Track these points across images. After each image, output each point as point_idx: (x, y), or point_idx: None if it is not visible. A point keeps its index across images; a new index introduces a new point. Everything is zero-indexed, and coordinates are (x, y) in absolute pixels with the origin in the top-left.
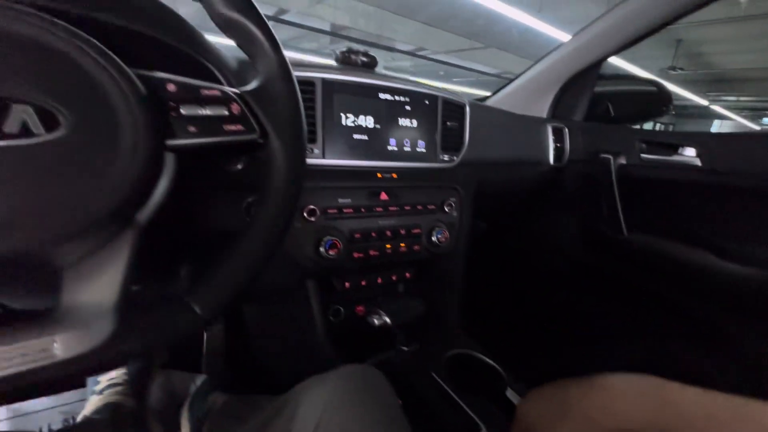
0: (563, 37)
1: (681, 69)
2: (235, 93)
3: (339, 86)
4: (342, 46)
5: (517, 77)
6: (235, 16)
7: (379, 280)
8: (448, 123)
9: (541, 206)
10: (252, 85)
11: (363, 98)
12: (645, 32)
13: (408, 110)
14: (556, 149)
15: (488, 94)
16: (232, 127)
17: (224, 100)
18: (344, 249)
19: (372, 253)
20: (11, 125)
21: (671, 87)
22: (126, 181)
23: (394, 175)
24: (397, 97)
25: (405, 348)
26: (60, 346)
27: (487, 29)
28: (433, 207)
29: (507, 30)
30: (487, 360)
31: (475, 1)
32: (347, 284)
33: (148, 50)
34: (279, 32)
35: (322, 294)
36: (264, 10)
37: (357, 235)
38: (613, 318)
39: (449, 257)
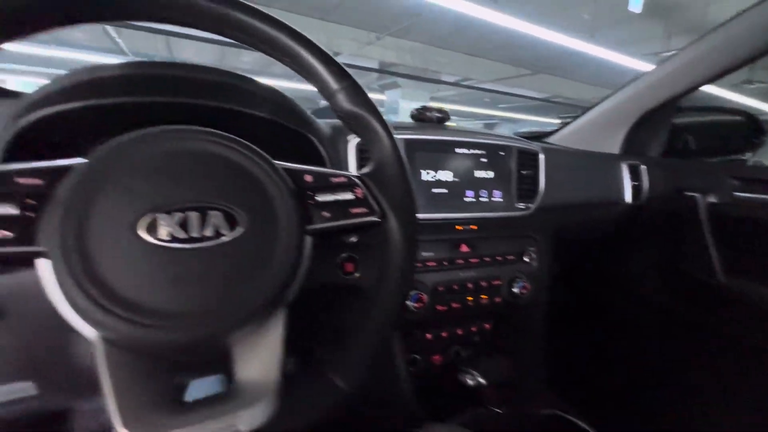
0: (616, 58)
1: (760, 82)
2: (357, 178)
3: (420, 144)
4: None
5: (584, 112)
6: (356, 110)
7: (459, 332)
8: (523, 171)
9: (619, 248)
10: (369, 168)
11: (442, 154)
12: (741, 62)
13: (484, 162)
14: (633, 187)
15: (537, 118)
16: (357, 210)
17: (349, 185)
18: (428, 302)
19: (454, 305)
20: (208, 229)
21: (749, 102)
22: (285, 266)
23: (473, 227)
24: (473, 151)
25: (497, 410)
26: (241, 422)
27: (537, 57)
28: (512, 257)
29: (558, 56)
30: (580, 423)
31: (524, 32)
32: (428, 335)
33: (269, 135)
34: None
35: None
36: None
37: (440, 288)
38: (711, 374)
39: (530, 308)
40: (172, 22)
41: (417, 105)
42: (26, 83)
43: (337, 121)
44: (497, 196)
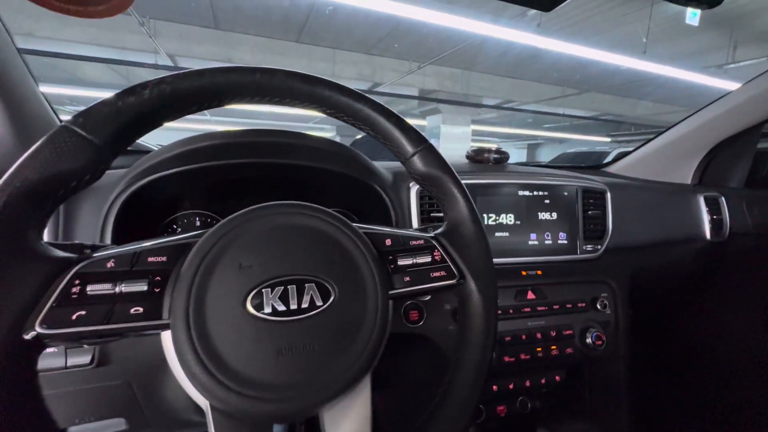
0: (673, 72)
1: None
2: (434, 239)
3: (481, 189)
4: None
5: (648, 141)
6: (432, 172)
7: (527, 383)
8: (590, 212)
9: (703, 290)
10: (445, 228)
11: (503, 197)
12: None
13: (547, 203)
14: (712, 222)
15: (584, 137)
16: (437, 274)
17: (427, 247)
18: (496, 353)
19: (523, 357)
20: (305, 300)
21: None
22: (374, 332)
23: (539, 272)
24: (535, 192)
25: None
26: None
27: (585, 77)
28: (583, 305)
29: (607, 75)
30: None
31: (570, 53)
32: (495, 387)
33: (338, 185)
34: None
35: None
36: (359, 85)
37: (507, 339)
38: None
39: (607, 361)
40: (277, 103)
41: (458, 129)
42: None
43: (397, 167)
44: (562, 239)
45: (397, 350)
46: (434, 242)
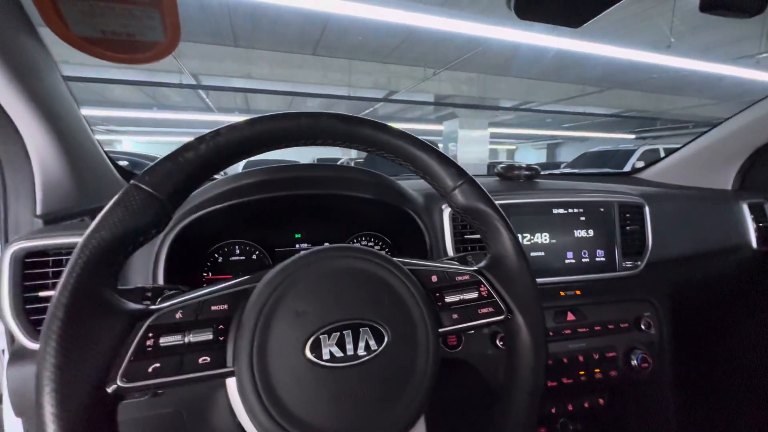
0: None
1: None
2: (479, 274)
3: (514, 209)
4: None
5: (683, 146)
6: (474, 205)
7: (570, 407)
8: (628, 227)
9: (751, 303)
10: (488, 262)
11: (537, 216)
12: None
13: (583, 221)
14: (758, 230)
15: (606, 135)
16: (485, 310)
17: (473, 283)
18: None
19: (565, 381)
20: (361, 345)
21: None
22: (427, 373)
23: (578, 292)
24: (570, 210)
25: None
26: None
27: (606, 74)
28: (626, 325)
29: (630, 71)
30: None
31: (590, 52)
32: None
33: (373, 211)
34: (386, 107)
35: None
36: (375, 94)
37: (548, 362)
38: None
39: (654, 384)
40: (322, 144)
41: (475, 133)
42: (137, 143)
43: (428, 189)
44: (600, 256)
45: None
46: (480, 277)
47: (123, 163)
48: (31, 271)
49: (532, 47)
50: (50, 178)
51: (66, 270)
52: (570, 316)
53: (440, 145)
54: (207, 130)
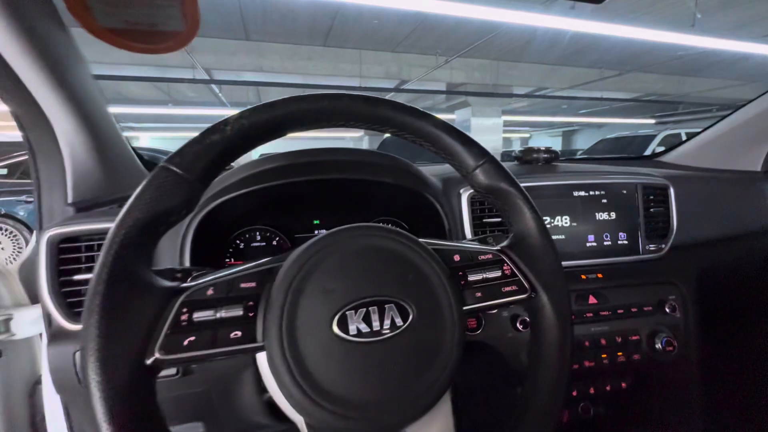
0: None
1: None
2: (502, 252)
3: (534, 192)
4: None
5: (708, 128)
6: (496, 184)
7: (592, 390)
8: (651, 209)
9: None
10: (511, 241)
11: (557, 199)
12: None
13: (605, 203)
14: None
15: (625, 120)
16: (508, 288)
17: (496, 261)
18: None
19: (587, 364)
20: (387, 321)
21: None
22: (453, 349)
23: (599, 275)
24: (591, 192)
25: None
26: None
27: (625, 56)
28: (649, 308)
29: (651, 52)
30: None
31: (608, 34)
32: None
33: (391, 196)
34: (398, 97)
35: None
36: (386, 83)
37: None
38: None
39: (679, 367)
40: (343, 126)
41: (488, 121)
42: (154, 138)
43: (446, 173)
44: (622, 239)
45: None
46: (503, 256)
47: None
48: (66, 256)
49: (548, 30)
50: (80, 168)
51: (103, 249)
52: (592, 300)
53: None
54: None
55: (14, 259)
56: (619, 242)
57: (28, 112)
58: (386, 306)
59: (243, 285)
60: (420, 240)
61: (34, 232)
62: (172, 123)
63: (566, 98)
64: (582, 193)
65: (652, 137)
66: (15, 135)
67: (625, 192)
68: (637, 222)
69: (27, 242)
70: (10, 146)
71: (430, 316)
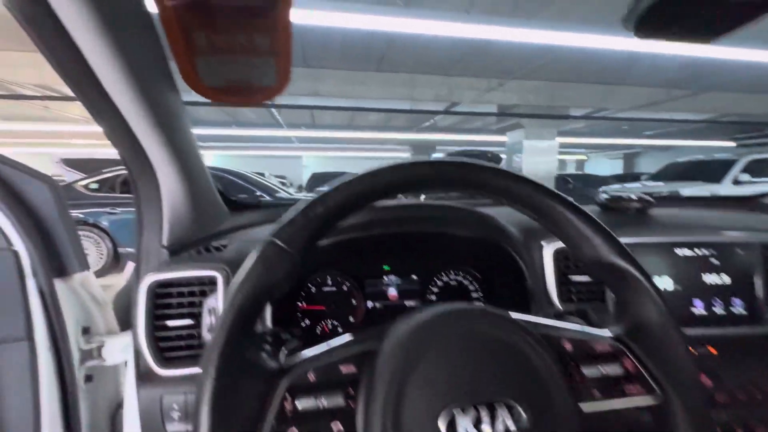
0: None
1: None
2: (621, 342)
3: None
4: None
5: None
6: (614, 262)
7: None
8: None
9: None
10: (628, 328)
11: (656, 258)
12: None
13: (715, 264)
14: None
15: (696, 143)
16: (632, 388)
17: (615, 354)
18: None
19: None
20: (498, 427)
21: None
22: None
23: (712, 350)
24: (698, 251)
25: None
26: None
27: (698, 75)
28: None
29: (728, 71)
30: None
31: (676, 53)
32: None
33: (468, 247)
34: (447, 119)
35: None
36: (436, 106)
37: None
38: None
39: None
40: (447, 191)
41: (542, 143)
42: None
43: (524, 223)
44: (737, 306)
45: None
46: (623, 348)
47: None
48: (160, 302)
49: (610, 51)
50: (175, 213)
51: (216, 328)
52: (705, 381)
53: (503, 156)
54: (278, 144)
55: (96, 264)
56: (734, 309)
57: (139, 163)
58: (497, 408)
59: (342, 368)
60: (525, 319)
61: (118, 249)
62: (236, 142)
63: (630, 119)
64: (686, 252)
65: (731, 162)
66: (107, 152)
67: (741, 252)
68: (756, 288)
69: (108, 250)
70: (102, 163)
71: (546, 421)
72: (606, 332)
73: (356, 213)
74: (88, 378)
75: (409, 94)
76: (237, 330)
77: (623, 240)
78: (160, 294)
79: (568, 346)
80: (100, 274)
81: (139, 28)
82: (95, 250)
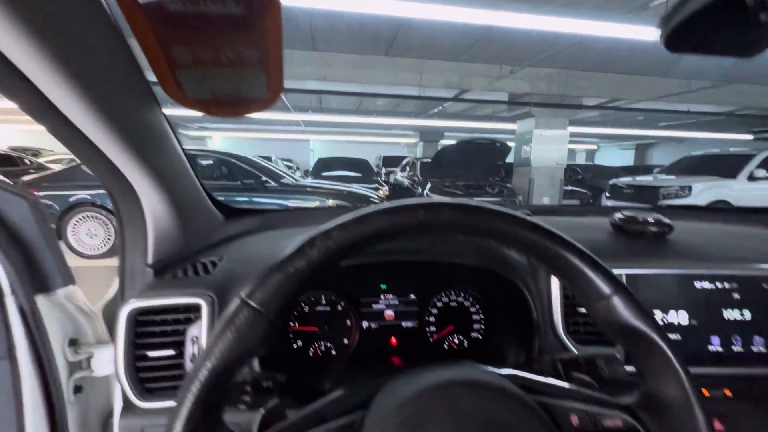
0: None
1: None
2: (634, 419)
3: (643, 281)
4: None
5: None
6: (633, 323)
7: None
8: None
9: None
10: (642, 399)
11: (672, 290)
12: None
13: (736, 299)
14: None
15: (713, 135)
16: None
17: (629, 431)
18: None
19: None
20: None
21: None
22: None
23: (728, 392)
24: (719, 285)
25: None
26: None
27: (720, 66)
28: None
29: (754, 61)
30: None
31: None
32: None
33: (470, 277)
34: (456, 105)
35: None
36: (446, 93)
37: None
38: None
39: None
40: (443, 234)
41: (553, 132)
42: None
43: None
44: (759, 344)
45: None
46: (635, 422)
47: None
48: (141, 329)
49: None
50: (160, 230)
51: (177, 407)
52: (717, 425)
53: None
54: (285, 127)
55: (104, 245)
56: (754, 348)
57: (117, 186)
58: None
59: None
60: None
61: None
62: (242, 124)
63: (646, 110)
64: (706, 285)
65: (748, 156)
66: None
67: (765, 286)
68: None
69: (115, 231)
70: None
71: None
72: (618, 401)
73: (340, 261)
74: (78, 389)
75: (418, 80)
76: (201, 409)
77: (641, 271)
78: (141, 321)
79: (575, 421)
80: (108, 255)
81: (102, 46)
82: (103, 232)
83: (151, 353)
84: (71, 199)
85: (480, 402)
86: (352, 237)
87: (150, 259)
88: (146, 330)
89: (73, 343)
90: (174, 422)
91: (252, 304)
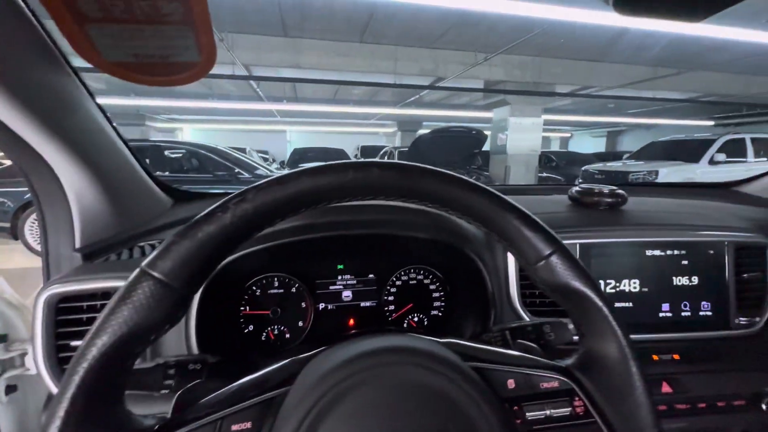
0: None
1: None
2: (571, 380)
3: (596, 249)
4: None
5: None
6: (572, 284)
7: None
8: (744, 274)
9: None
10: (580, 359)
11: (625, 258)
12: None
13: (684, 265)
14: None
15: (678, 122)
16: None
17: (565, 392)
18: None
19: None
20: None
21: None
22: None
23: (675, 356)
24: (668, 252)
25: None
26: None
27: (684, 54)
28: (741, 402)
29: (716, 49)
30: None
31: (665, 31)
32: None
33: (427, 252)
34: (433, 94)
35: None
36: (421, 81)
37: None
38: None
39: None
40: (372, 199)
41: (528, 120)
42: (195, 130)
43: None
44: (705, 309)
45: None
46: (573, 384)
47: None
48: (65, 317)
49: (597, 27)
50: (88, 211)
51: (59, 389)
52: (665, 387)
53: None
54: (260, 118)
55: None
56: (702, 313)
57: (27, 159)
58: None
59: (234, 427)
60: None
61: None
62: (214, 115)
63: (615, 98)
64: (656, 253)
65: (710, 141)
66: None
67: (711, 252)
68: (725, 289)
69: None
70: None
71: None
72: (556, 363)
73: (264, 229)
74: (11, 388)
75: (393, 67)
76: (90, 391)
77: (594, 240)
78: (65, 309)
79: (511, 384)
80: None
81: None
82: None
83: (75, 343)
84: (27, 196)
85: (409, 368)
86: (271, 199)
87: (78, 243)
88: (72, 318)
89: (3, 339)
90: (56, 407)
91: (153, 273)
